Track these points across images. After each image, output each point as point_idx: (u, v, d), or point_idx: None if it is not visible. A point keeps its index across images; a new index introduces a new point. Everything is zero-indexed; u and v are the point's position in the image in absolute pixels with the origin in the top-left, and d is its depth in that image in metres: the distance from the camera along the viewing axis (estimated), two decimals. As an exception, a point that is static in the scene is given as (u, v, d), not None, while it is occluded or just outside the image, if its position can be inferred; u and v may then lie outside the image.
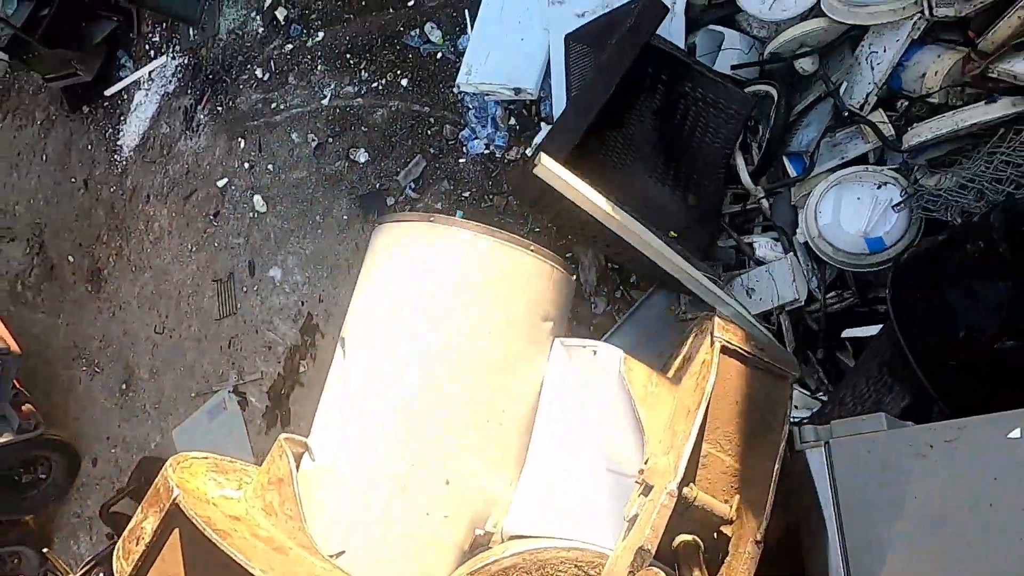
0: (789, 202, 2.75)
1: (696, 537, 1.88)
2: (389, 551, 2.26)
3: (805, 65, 2.79)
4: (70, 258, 6.42)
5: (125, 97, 6.22)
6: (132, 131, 6.09)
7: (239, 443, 5.00)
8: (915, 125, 2.50)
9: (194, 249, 5.48)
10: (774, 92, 2.82)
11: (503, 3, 3.91)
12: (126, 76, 6.17)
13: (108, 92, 6.24)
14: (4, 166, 7.17)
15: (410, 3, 4.53)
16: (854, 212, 2.59)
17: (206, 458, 2.55)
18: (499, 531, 2.33)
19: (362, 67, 4.71)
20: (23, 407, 5.69)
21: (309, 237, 4.77)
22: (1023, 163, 2.08)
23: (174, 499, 2.15)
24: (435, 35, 4.35)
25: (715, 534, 1.93)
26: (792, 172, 2.72)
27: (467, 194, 4.09)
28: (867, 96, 2.60)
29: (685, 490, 1.83)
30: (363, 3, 4.78)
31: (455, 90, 4.14)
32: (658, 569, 1.76)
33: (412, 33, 4.47)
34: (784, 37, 2.80)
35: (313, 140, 4.84)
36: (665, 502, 1.79)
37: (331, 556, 2.24)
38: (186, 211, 5.59)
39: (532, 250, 2.45)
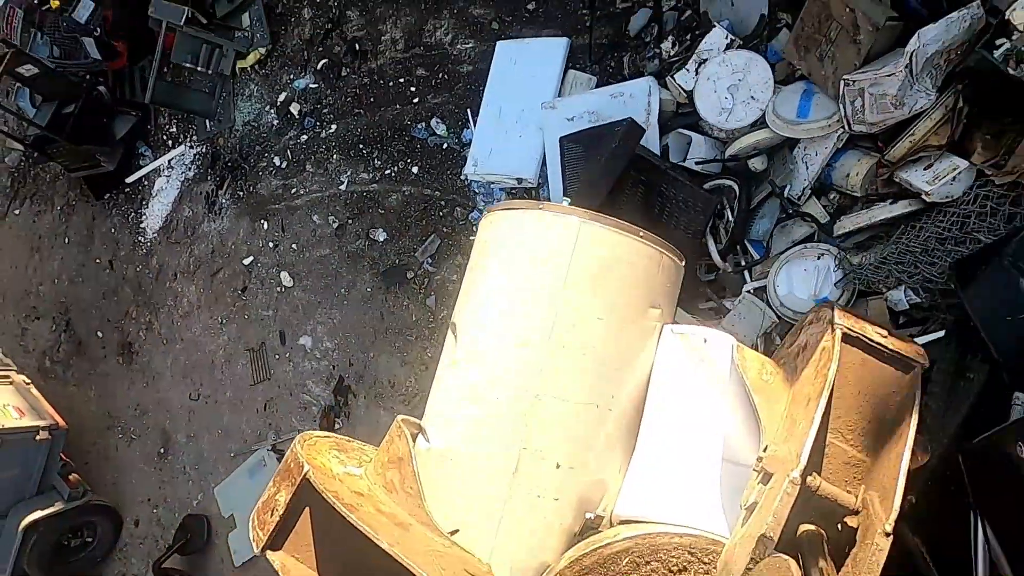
0: (750, 278, 3.48)
1: (819, 527, 1.82)
2: (501, 531, 2.33)
3: (756, 164, 3.54)
4: (99, 333, 6.94)
5: (146, 184, 6.80)
6: (155, 214, 6.67)
7: (280, 496, 5.54)
8: (841, 218, 3.25)
9: (224, 321, 6.06)
10: (735, 186, 3.56)
11: (501, 104, 4.62)
12: (146, 164, 6.76)
13: (129, 179, 6.81)
14: (25, 249, 7.68)
15: (415, 100, 5.23)
16: (803, 281, 3.32)
17: (328, 436, 2.70)
18: (609, 515, 2.38)
19: (375, 156, 5.38)
20: (70, 476, 6.19)
21: (336, 308, 5.40)
22: (920, 248, 2.82)
23: (305, 474, 2.27)
24: (440, 128, 5.04)
25: (839, 525, 1.87)
26: (755, 255, 3.45)
27: (479, 267, 4.76)
28: (804, 190, 3.34)
29: (808, 479, 1.75)
30: (371, 99, 5.46)
31: (462, 177, 4.83)
32: (784, 557, 1.71)
33: (419, 126, 5.17)
34: (739, 144, 3.54)
35: (334, 221, 5.49)
36: (788, 490, 1.74)
37: (449, 533, 2.33)
38: (214, 287, 6.17)
39: (642, 236, 2.47)
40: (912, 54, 2.79)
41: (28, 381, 6.47)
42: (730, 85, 3.59)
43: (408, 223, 5.11)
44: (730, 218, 3.57)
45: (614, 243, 2.46)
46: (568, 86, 4.39)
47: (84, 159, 6.75)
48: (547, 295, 2.43)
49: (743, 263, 3.52)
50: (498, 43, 4.69)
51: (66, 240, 7.34)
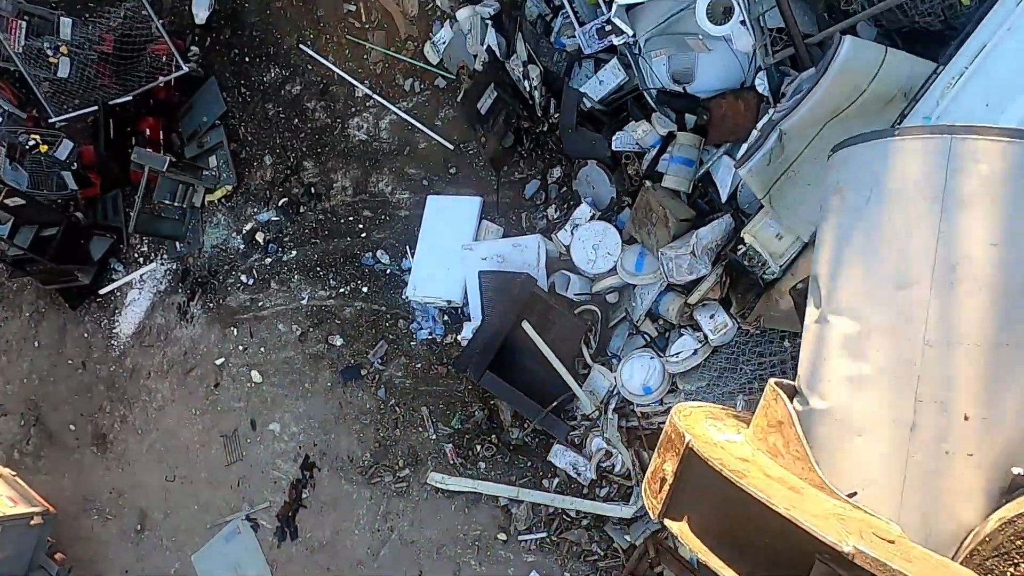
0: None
1: None
2: (907, 492, 2.14)
3: (611, 298, 5.36)
4: (71, 427, 7.96)
5: (118, 295, 7.98)
6: (128, 321, 7.85)
7: (254, 559, 6.79)
8: (670, 335, 5.10)
9: (198, 413, 7.30)
10: (598, 312, 5.36)
11: (432, 243, 6.28)
12: (119, 279, 7.96)
13: (103, 291, 7.97)
14: (-10, 352, 8.59)
15: (363, 234, 6.83)
16: (639, 373, 5.11)
17: (700, 407, 2.76)
18: None
19: (330, 277, 6.91)
20: (56, 555, 7.18)
21: (301, 399, 6.80)
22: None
23: (687, 443, 2.30)
24: (384, 258, 6.66)
25: None
26: (614, 360, 5.26)
27: (419, 365, 6.35)
28: (640, 316, 5.18)
29: None
30: (326, 232, 7.02)
31: (404, 297, 6.43)
32: None
33: (367, 255, 6.75)
34: (601, 284, 5.35)
35: (297, 329, 6.94)
36: None
37: (847, 496, 2.19)
38: (187, 383, 7.42)
39: None
40: (695, 243, 4.69)
41: (13, 472, 7.43)
42: (594, 244, 5.41)
43: (360, 331, 6.64)
44: (597, 335, 5.35)
45: (998, 154, 2.19)
46: (482, 232, 6.12)
47: (61, 275, 7.88)
48: (926, 225, 2.21)
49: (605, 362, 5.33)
50: (429, 197, 6.37)
51: (36, 344, 8.34)
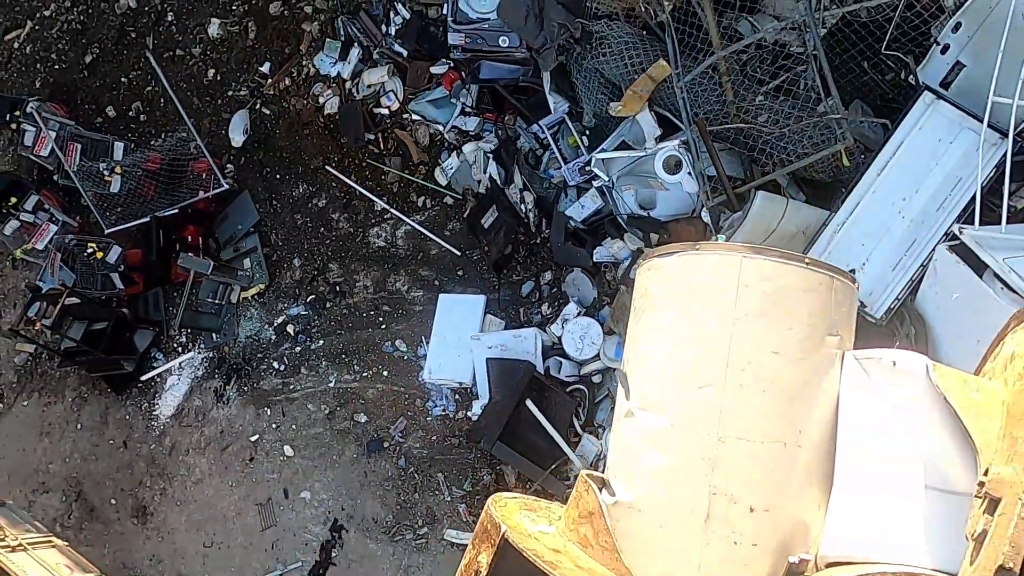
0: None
1: None
2: None
3: (596, 379, 6.84)
4: (112, 501, 9.07)
5: (158, 381, 9.23)
6: (168, 404, 9.08)
7: (288, 614, 7.91)
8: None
9: (234, 485, 8.50)
10: (585, 390, 6.81)
11: (445, 334, 7.70)
12: (158, 366, 9.23)
13: (144, 377, 9.22)
14: (33, 434, 9.70)
15: (383, 326, 8.25)
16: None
17: (516, 498, 2.93)
18: (815, 558, 2.32)
19: (354, 363, 8.29)
20: (105, 618, 8.20)
21: (329, 469, 8.07)
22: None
23: (503, 534, 2.40)
24: (402, 347, 8.07)
25: None
26: (600, 429, 6.69)
27: (434, 438, 7.70)
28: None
29: None
30: (350, 324, 8.43)
31: (420, 379, 7.82)
32: None
33: (386, 344, 8.16)
34: (587, 367, 6.83)
35: (325, 408, 8.26)
36: (1023, 514, 1.70)
37: None
38: (224, 459, 8.64)
39: (808, 263, 2.48)
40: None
41: (66, 543, 8.49)
42: (581, 335, 6.90)
43: (382, 409, 7.99)
44: (584, 408, 6.79)
45: (779, 273, 2.54)
46: (487, 325, 7.57)
47: (108, 364, 9.13)
48: (718, 334, 2.51)
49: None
50: (440, 295, 7.84)
51: (78, 426, 9.50)
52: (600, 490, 2.76)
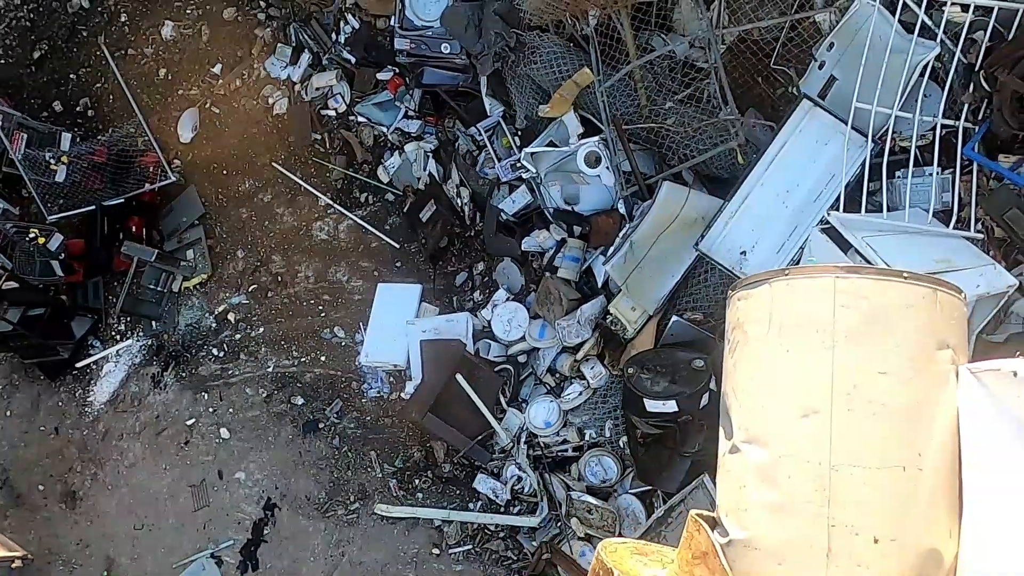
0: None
1: None
2: None
3: (522, 359, 7.53)
4: (40, 487, 9.23)
5: (94, 368, 9.51)
6: (103, 391, 9.35)
7: (217, 592, 8.22)
8: (565, 384, 7.25)
9: (168, 468, 8.81)
10: (512, 370, 7.49)
11: (383, 319, 8.30)
12: (95, 353, 9.52)
13: (80, 364, 9.48)
14: (-40, 423, 9.81)
15: (322, 314, 8.79)
16: (542, 413, 7.19)
17: (625, 543, 2.97)
18: None
19: (293, 349, 8.78)
20: (28, 600, 8.35)
21: (265, 451, 8.48)
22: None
23: None
24: (341, 333, 8.62)
25: None
26: (524, 404, 7.36)
27: (368, 418, 8.23)
28: (543, 371, 7.34)
29: None
30: (291, 312, 8.94)
31: (357, 363, 8.37)
32: None
33: (325, 331, 8.70)
34: (514, 348, 7.52)
35: (263, 392, 8.70)
36: None
37: None
38: (158, 443, 8.95)
39: (906, 277, 2.45)
40: (579, 316, 6.97)
41: (-10, 525, 8.63)
42: (508, 319, 7.60)
43: (319, 392, 8.49)
44: (510, 386, 7.46)
45: (876, 291, 2.51)
46: (422, 312, 8.21)
47: (44, 350, 9.37)
48: (819, 359, 2.49)
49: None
50: (379, 284, 8.45)
51: (7, 413, 9.66)
52: (712, 529, 2.72)
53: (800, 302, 2.76)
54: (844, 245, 5.55)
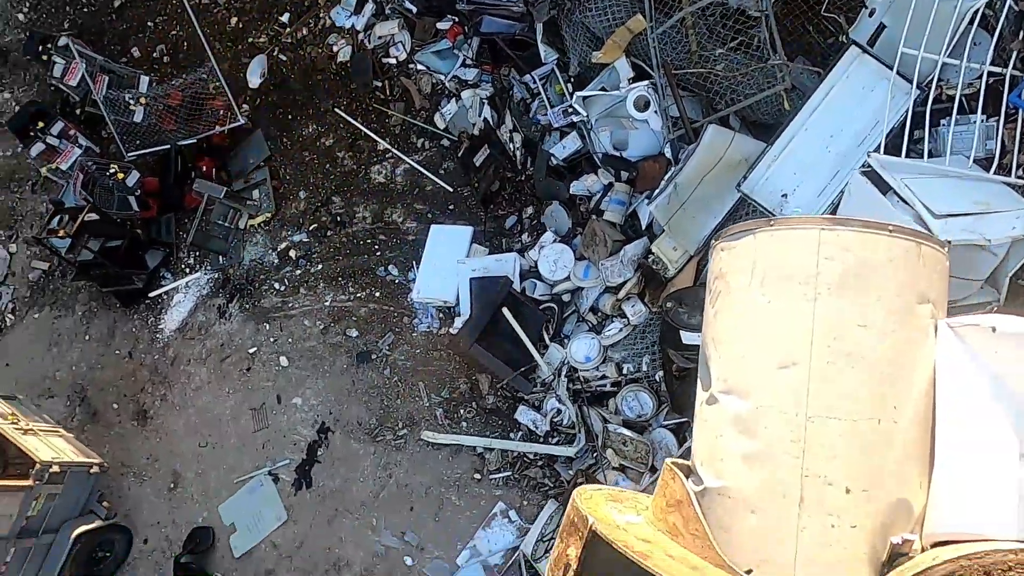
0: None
1: None
2: (799, 566, 2.32)
3: (565, 298, 7.92)
4: (114, 405, 10.04)
5: (165, 298, 10.24)
6: (173, 319, 10.09)
7: (274, 505, 8.88)
8: (606, 322, 7.62)
9: (231, 392, 9.50)
10: (556, 308, 7.89)
11: (435, 258, 8.77)
12: (167, 284, 10.24)
13: (152, 294, 10.23)
14: (43, 345, 10.67)
15: (378, 253, 9.31)
16: (583, 349, 7.58)
17: (600, 489, 2.93)
18: (920, 537, 2.33)
19: (349, 285, 9.33)
20: (103, 503, 9.17)
21: (320, 379, 9.09)
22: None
23: (591, 526, 2.44)
24: (394, 271, 9.14)
25: None
26: (566, 340, 7.76)
27: (418, 351, 8.74)
28: (586, 309, 7.71)
29: None
30: (348, 251, 9.48)
31: (408, 299, 8.88)
32: None
33: (380, 269, 9.23)
34: (559, 288, 7.91)
35: (320, 324, 9.29)
36: None
37: (745, 572, 2.40)
38: (222, 368, 9.64)
39: (891, 230, 2.43)
40: (623, 256, 7.31)
41: (71, 434, 9.46)
42: (555, 260, 7.99)
43: (372, 326, 9.04)
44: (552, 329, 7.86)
45: (861, 243, 2.48)
46: (472, 252, 8.64)
47: (120, 279, 10.13)
48: (801, 311, 2.48)
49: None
50: (432, 226, 8.91)
51: (86, 337, 10.49)
52: (687, 478, 2.76)
53: (784, 253, 2.76)
54: (883, 187, 5.75)
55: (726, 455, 2.79)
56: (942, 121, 6.18)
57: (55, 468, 8.45)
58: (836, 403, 2.59)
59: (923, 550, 2.47)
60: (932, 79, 6.06)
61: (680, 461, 2.98)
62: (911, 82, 6.07)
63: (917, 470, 2.61)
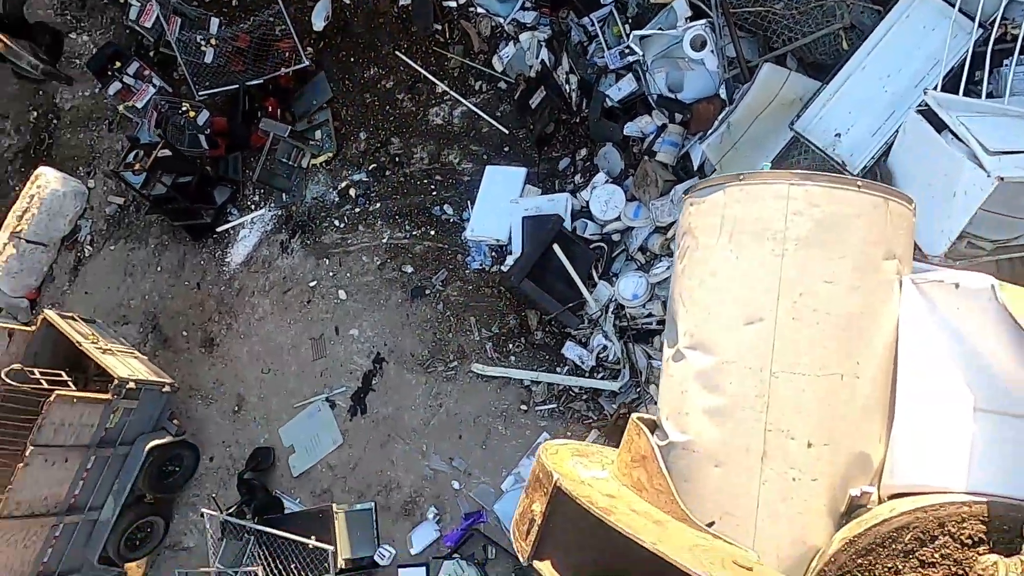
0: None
1: None
2: (760, 518, 2.39)
3: (615, 237, 8.13)
4: (184, 333, 10.69)
5: (231, 233, 10.79)
6: (239, 253, 10.64)
7: (330, 429, 9.42)
8: (654, 261, 7.82)
9: (292, 322, 10.03)
10: (605, 247, 8.11)
11: (489, 198, 9.06)
12: (233, 220, 10.78)
13: (220, 229, 10.79)
14: (118, 275, 11.39)
15: (434, 192, 9.64)
16: (631, 286, 7.81)
17: (567, 444, 3.00)
18: (878, 490, 2.38)
19: (406, 224, 9.70)
20: (174, 420, 9.85)
21: (376, 312, 9.53)
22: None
23: (555, 482, 2.49)
24: (449, 210, 9.46)
25: None
26: (614, 278, 7.98)
27: (470, 287, 9.08)
28: (635, 249, 7.91)
29: None
30: (405, 190, 9.84)
31: (462, 237, 9.20)
32: None
33: (436, 208, 9.56)
34: (609, 227, 8.12)
35: (377, 260, 9.71)
36: None
37: (706, 526, 2.44)
38: (284, 300, 10.17)
39: (860, 185, 2.45)
40: (673, 195, 7.47)
41: (144, 357, 10.14)
42: (606, 199, 8.19)
43: (427, 262, 9.41)
44: (599, 268, 8.09)
45: (829, 198, 2.50)
46: (525, 192, 8.90)
47: (190, 214, 10.70)
48: (767, 266, 2.53)
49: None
50: (487, 167, 9.19)
51: (158, 269, 11.14)
52: (652, 433, 2.81)
53: (753, 208, 2.77)
54: (939, 125, 5.78)
55: (691, 410, 2.84)
56: (1004, 61, 6.13)
57: (131, 384, 9.12)
58: (800, 359, 2.63)
59: (880, 502, 2.52)
60: (995, 18, 6.02)
61: (645, 416, 3.03)
62: (973, 20, 6.03)
63: (878, 424, 2.65)
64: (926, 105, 5.93)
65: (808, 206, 2.69)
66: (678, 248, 3.16)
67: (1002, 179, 5.31)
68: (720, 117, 7.11)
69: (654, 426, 2.95)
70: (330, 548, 7.99)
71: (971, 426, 2.40)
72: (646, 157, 7.91)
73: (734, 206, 2.84)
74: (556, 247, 7.90)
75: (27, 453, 8.38)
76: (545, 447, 3.01)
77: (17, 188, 12.22)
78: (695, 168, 7.63)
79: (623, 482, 2.89)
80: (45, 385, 8.93)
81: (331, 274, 9.96)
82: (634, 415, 3.05)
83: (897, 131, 6.26)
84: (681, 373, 2.92)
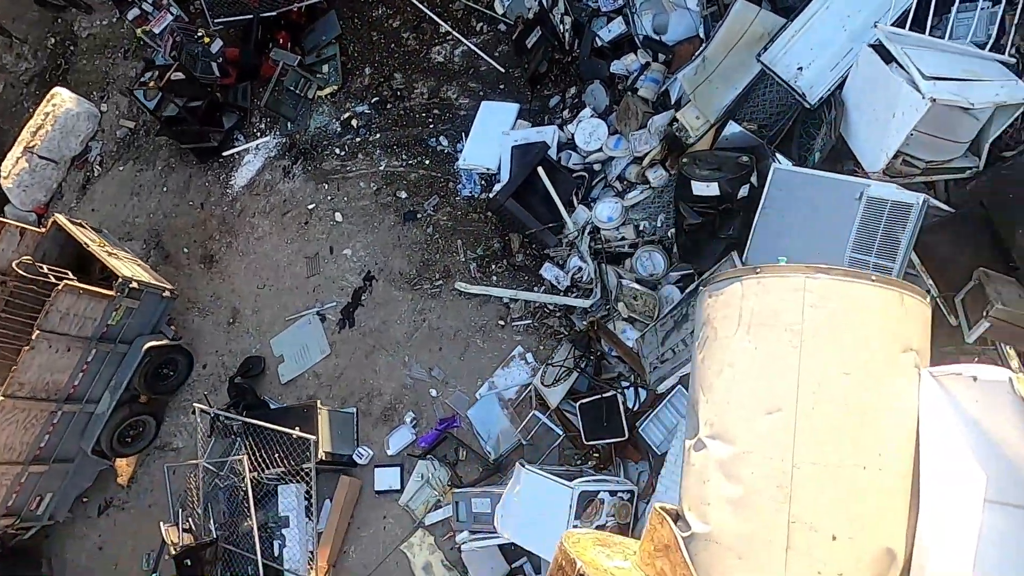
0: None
1: None
2: None
3: (596, 167, 8.86)
4: (185, 249, 11.41)
5: (236, 158, 11.51)
6: (242, 177, 11.37)
7: (319, 340, 10.13)
8: (630, 188, 8.57)
9: (289, 242, 10.76)
10: (587, 176, 8.85)
11: (482, 132, 9.78)
12: (239, 144, 11.51)
13: (226, 153, 11.51)
14: (125, 194, 12.12)
15: (431, 125, 10.38)
16: (607, 210, 8.54)
17: (588, 533, 3.09)
18: None
19: (403, 153, 10.43)
20: (171, 325, 10.56)
21: (370, 234, 10.26)
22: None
23: (579, 570, 2.52)
24: (444, 142, 10.20)
25: None
26: (593, 203, 8.73)
27: (459, 213, 9.81)
28: (613, 176, 8.65)
29: None
30: (404, 122, 10.57)
31: (455, 167, 9.93)
32: None
33: (432, 140, 10.30)
34: (591, 157, 8.86)
35: (373, 186, 10.44)
36: None
37: None
38: (283, 222, 10.90)
39: (874, 279, 2.55)
40: (651, 126, 8.21)
41: (147, 266, 10.86)
42: (591, 132, 8.93)
43: (420, 188, 10.15)
44: (580, 193, 8.83)
45: (844, 292, 2.62)
46: (516, 126, 9.63)
47: (198, 136, 11.42)
48: (786, 358, 2.60)
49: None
50: (483, 102, 9.92)
51: (164, 189, 11.87)
52: (675, 523, 2.83)
53: (770, 300, 2.86)
54: (887, 58, 6.52)
55: (712, 500, 2.88)
56: (952, 8, 6.86)
57: (134, 284, 9.83)
58: (820, 449, 2.67)
59: None
60: (945, -35, 6.74)
61: (669, 506, 3.06)
62: (925, -34, 6.76)
63: (902, 517, 2.69)
64: (879, 41, 6.68)
65: (824, 299, 2.81)
66: (697, 339, 3.23)
67: (935, 100, 6.05)
68: (697, 54, 7.84)
69: (677, 516, 3.02)
70: (312, 438, 8.70)
71: (1000, 520, 2.44)
72: (629, 93, 8.64)
73: (751, 298, 2.96)
74: (540, 170, 8.63)
75: (34, 336, 9.09)
76: (567, 536, 3.08)
77: (31, 110, 12.95)
78: (672, 103, 8.36)
79: (646, 572, 2.95)
80: (52, 280, 9.63)
81: (329, 198, 10.69)
82: (657, 503, 3.10)
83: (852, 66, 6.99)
84: (702, 462, 3.00)
